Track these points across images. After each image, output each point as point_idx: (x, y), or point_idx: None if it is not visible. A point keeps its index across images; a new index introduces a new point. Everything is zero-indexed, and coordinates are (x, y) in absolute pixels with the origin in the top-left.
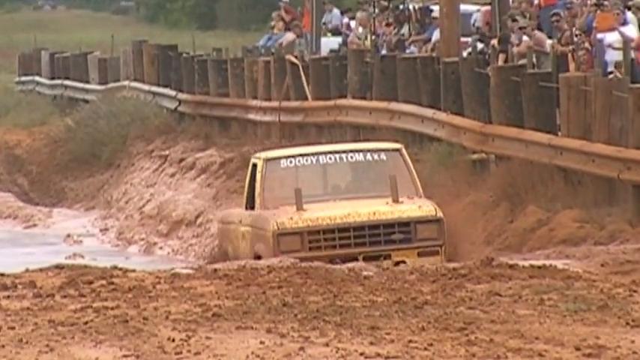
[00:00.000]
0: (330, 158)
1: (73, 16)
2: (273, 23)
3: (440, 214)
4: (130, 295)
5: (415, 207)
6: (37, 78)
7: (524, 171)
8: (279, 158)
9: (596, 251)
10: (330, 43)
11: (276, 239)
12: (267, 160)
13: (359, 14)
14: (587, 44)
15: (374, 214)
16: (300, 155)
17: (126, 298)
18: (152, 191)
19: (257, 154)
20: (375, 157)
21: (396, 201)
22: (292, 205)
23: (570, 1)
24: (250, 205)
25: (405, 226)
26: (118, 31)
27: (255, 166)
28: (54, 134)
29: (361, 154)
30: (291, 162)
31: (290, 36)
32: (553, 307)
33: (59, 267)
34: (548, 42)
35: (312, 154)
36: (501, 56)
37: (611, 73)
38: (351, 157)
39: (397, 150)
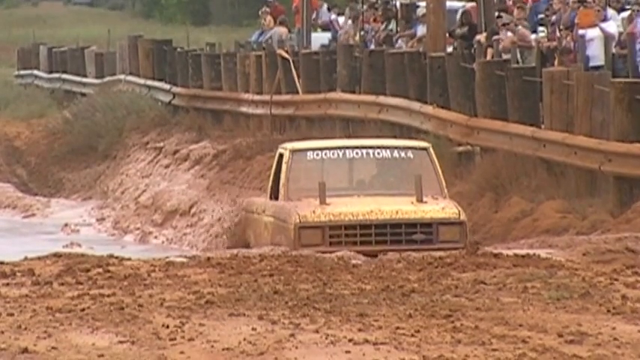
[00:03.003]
0: (357, 153)
1: (70, 11)
2: (262, 20)
3: (463, 217)
4: (125, 283)
5: (439, 208)
6: (35, 72)
7: (508, 163)
8: (306, 150)
9: (578, 241)
10: (320, 38)
11: (297, 232)
12: (293, 151)
13: (348, 11)
14: (569, 39)
15: (397, 212)
16: (327, 148)
17: (122, 286)
18: (147, 182)
19: (284, 145)
20: (402, 154)
21: (420, 201)
22: (315, 198)
23: None
24: (274, 195)
25: (428, 226)
26: (114, 27)
27: (281, 156)
28: (52, 126)
29: (388, 150)
30: (317, 154)
31: (281, 30)
32: (536, 295)
33: (57, 255)
34: (532, 37)
35: (340, 148)
36: (489, 51)
37: (593, 67)
38: (378, 154)
39: (425, 149)
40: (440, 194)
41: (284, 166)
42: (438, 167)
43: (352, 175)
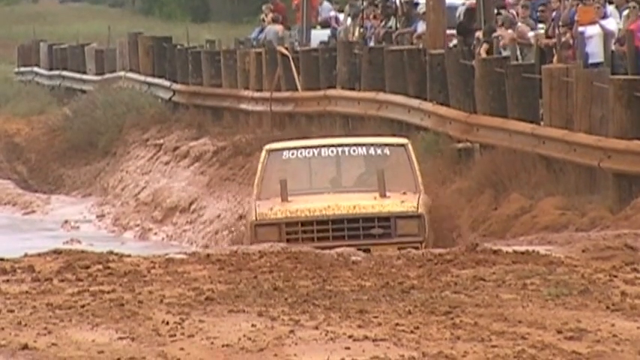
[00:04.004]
0: (333, 151)
1: (70, 8)
2: (263, 16)
3: (421, 210)
4: (125, 280)
5: (397, 202)
6: (35, 69)
7: (507, 159)
8: (282, 150)
9: (578, 237)
10: (319, 35)
11: (254, 229)
12: (269, 151)
13: (348, 8)
14: (568, 36)
15: (354, 207)
16: (303, 147)
17: (121, 283)
18: (147, 179)
19: (267, 145)
20: (379, 151)
21: (382, 195)
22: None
23: None
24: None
25: (385, 220)
26: (114, 24)
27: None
28: (52, 123)
29: (364, 148)
30: (293, 154)
31: (277, 28)
32: (535, 292)
33: (57, 252)
34: (531, 34)
35: (315, 147)
36: (484, 46)
37: (592, 65)
38: (354, 151)
39: (402, 145)
40: (414, 190)
41: (260, 166)
42: (415, 163)
43: (326, 174)
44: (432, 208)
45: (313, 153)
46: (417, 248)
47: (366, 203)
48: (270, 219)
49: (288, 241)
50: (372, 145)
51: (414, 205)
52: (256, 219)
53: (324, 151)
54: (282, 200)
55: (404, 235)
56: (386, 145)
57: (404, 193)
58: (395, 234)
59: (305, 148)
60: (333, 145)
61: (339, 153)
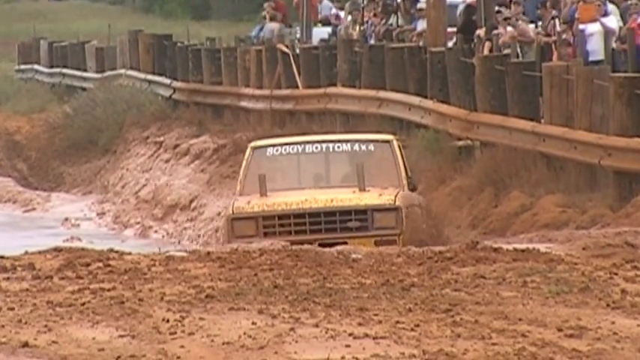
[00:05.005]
0: (317, 148)
1: (71, 6)
2: (264, 14)
3: (399, 203)
4: (125, 277)
5: (375, 195)
6: (36, 66)
7: (508, 157)
8: (266, 147)
9: (578, 235)
10: (320, 32)
11: (231, 223)
12: (254, 148)
13: (348, 5)
14: (569, 33)
15: (331, 201)
16: (287, 144)
17: (122, 280)
18: (147, 176)
19: (252, 142)
20: (363, 147)
21: (362, 189)
22: (265, 192)
23: None
24: None
25: (362, 213)
26: (114, 21)
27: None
28: (52, 121)
29: (349, 144)
30: (277, 150)
31: (274, 26)
32: (536, 289)
33: (57, 250)
34: (532, 30)
35: (300, 143)
36: (487, 44)
37: (593, 62)
38: (338, 147)
39: (387, 141)
40: (397, 185)
41: (244, 163)
42: (400, 159)
43: (310, 170)
44: (420, 204)
45: (297, 150)
46: (394, 241)
47: (343, 197)
48: (246, 213)
49: (265, 235)
50: (356, 141)
51: (391, 198)
52: (233, 212)
53: (309, 148)
54: (261, 195)
55: (381, 228)
56: (370, 141)
57: (385, 188)
58: (372, 227)
59: (289, 144)
60: (317, 142)
61: (324, 150)
